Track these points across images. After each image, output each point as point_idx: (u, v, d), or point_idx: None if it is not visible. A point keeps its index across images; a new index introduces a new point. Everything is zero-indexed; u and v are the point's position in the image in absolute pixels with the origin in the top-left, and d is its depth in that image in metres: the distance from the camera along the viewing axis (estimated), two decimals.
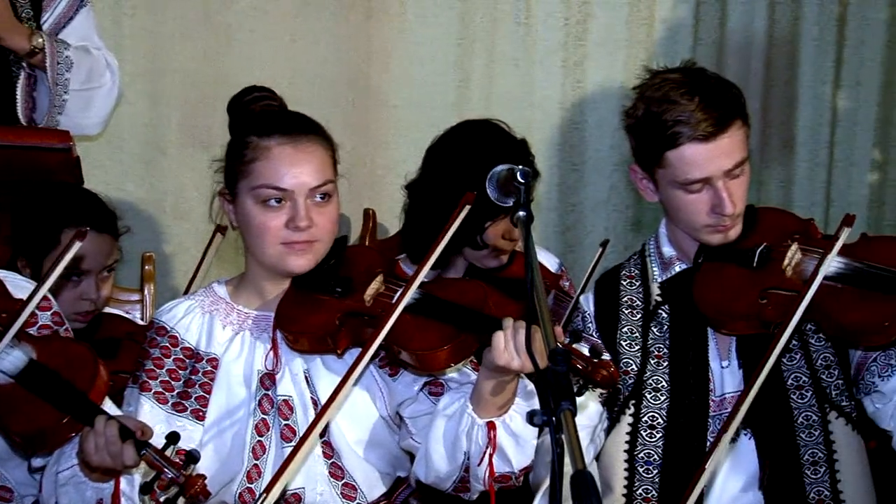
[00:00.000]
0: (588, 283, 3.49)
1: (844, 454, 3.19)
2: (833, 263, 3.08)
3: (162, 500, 2.79)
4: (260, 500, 2.73)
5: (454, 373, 3.04)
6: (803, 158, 5.36)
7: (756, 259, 3.17)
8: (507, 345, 2.79)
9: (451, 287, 3.06)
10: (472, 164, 3.67)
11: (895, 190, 5.46)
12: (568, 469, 2.04)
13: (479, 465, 2.91)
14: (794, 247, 3.19)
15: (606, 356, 2.80)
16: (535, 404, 2.91)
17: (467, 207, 2.88)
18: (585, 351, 2.77)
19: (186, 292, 4.24)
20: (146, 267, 4.32)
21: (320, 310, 3.02)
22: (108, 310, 3.95)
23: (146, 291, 4.28)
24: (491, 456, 2.90)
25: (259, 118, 3.10)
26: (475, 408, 2.90)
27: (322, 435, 3.02)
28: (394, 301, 2.97)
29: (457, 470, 2.96)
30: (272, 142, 3.02)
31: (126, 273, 4.51)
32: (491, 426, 2.89)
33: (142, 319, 4.17)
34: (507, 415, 2.90)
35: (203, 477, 2.72)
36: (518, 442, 2.92)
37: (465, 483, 2.97)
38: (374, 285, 3.06)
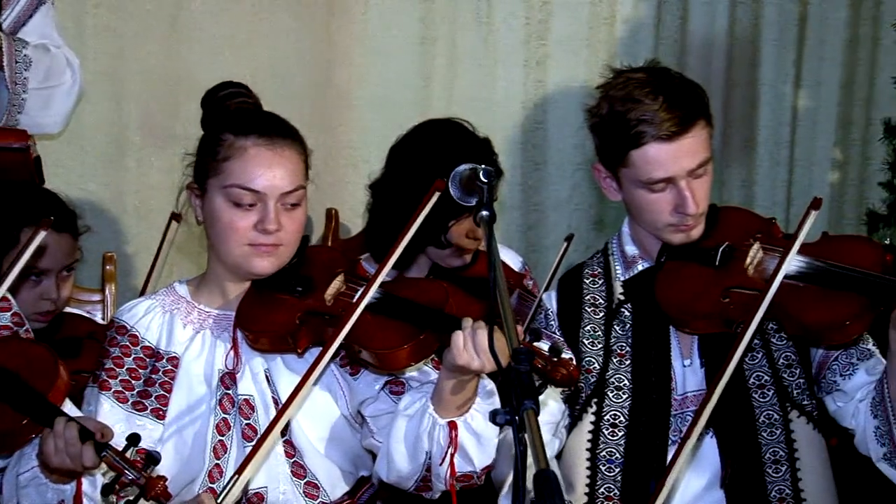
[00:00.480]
0: (553, 279, 3.48)
1: (805, 452, 3.20)
2: (794, 262, 3.09)
3: (122, 500, 2.78)
4: (222, 496, 2.72)
5: (415, 371, 3.04)
6: (764, 158, 5.38)
7: (718, 258, 3.18)
8: (467, 344, 2.78)
9: (412, 286, 3.06)
10: (435, 163, 3.66)
11: (855, 189, 5.48)
12: (531, 462, 2.04)
13: (440, 464, 2.91)
14: (756, 246, 3.20)
15: (567, 354, 2.80)
16: (495, 403, 2.92)
17: (437, 194, 2.86)
18: (545, 349, 2.77)
19: (147, 281, 4.22)
20: (107, 267, 4.30)
21: (281, 309, 3.01)
22: (69, 310, 3.93)
23: (107, 291, 4.26)
24: (452, 455, 2.90)
25: (236, 116, 3.07)
26: (436, 407, 2.89)
27: (283, 434, 3.01)
28: (354, 300, 2.96)
29: (418, 469, 2.95)
30: (248, 142, 2.99)
31: (87, 273, 4.47)
32: (452, 426, 2.88)
33: (103, 320, 4.15)
34: (468, 414, 2.90)
35: (164, 479, 2.72)
36: (479, 441, 2.92)
37: (427, 482, 2.97)
38: (335, 285, 3.06)
